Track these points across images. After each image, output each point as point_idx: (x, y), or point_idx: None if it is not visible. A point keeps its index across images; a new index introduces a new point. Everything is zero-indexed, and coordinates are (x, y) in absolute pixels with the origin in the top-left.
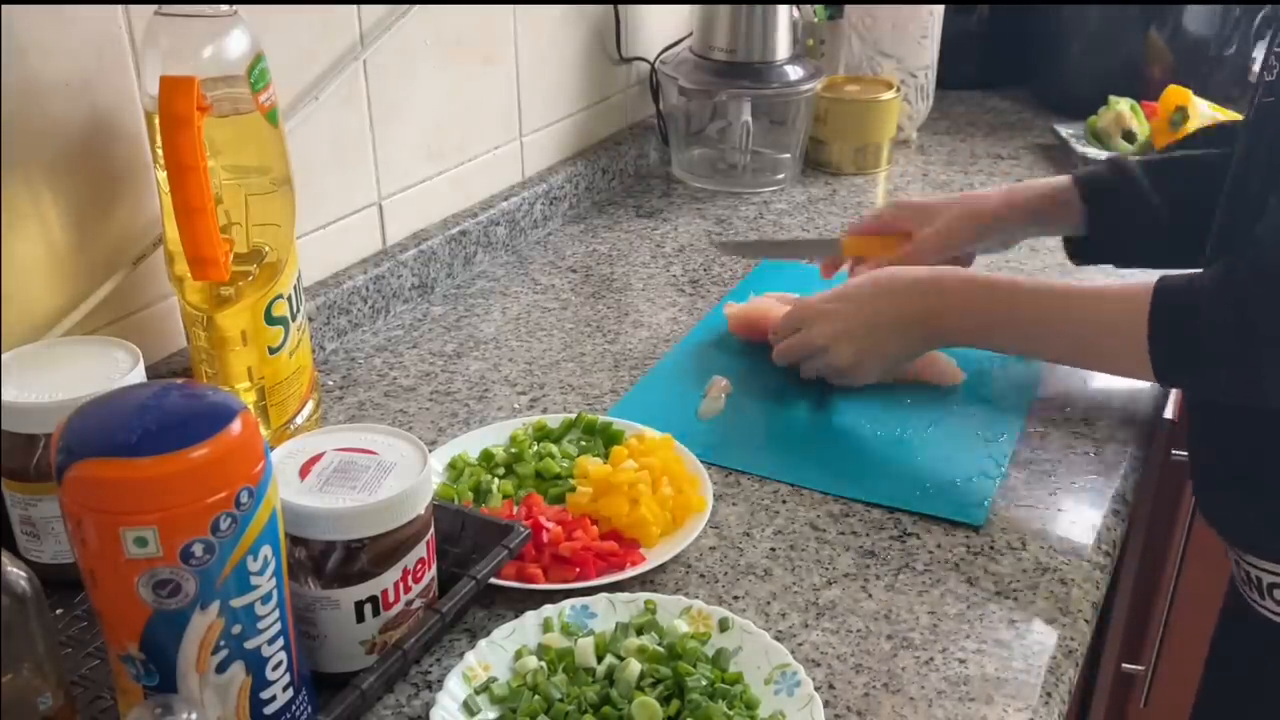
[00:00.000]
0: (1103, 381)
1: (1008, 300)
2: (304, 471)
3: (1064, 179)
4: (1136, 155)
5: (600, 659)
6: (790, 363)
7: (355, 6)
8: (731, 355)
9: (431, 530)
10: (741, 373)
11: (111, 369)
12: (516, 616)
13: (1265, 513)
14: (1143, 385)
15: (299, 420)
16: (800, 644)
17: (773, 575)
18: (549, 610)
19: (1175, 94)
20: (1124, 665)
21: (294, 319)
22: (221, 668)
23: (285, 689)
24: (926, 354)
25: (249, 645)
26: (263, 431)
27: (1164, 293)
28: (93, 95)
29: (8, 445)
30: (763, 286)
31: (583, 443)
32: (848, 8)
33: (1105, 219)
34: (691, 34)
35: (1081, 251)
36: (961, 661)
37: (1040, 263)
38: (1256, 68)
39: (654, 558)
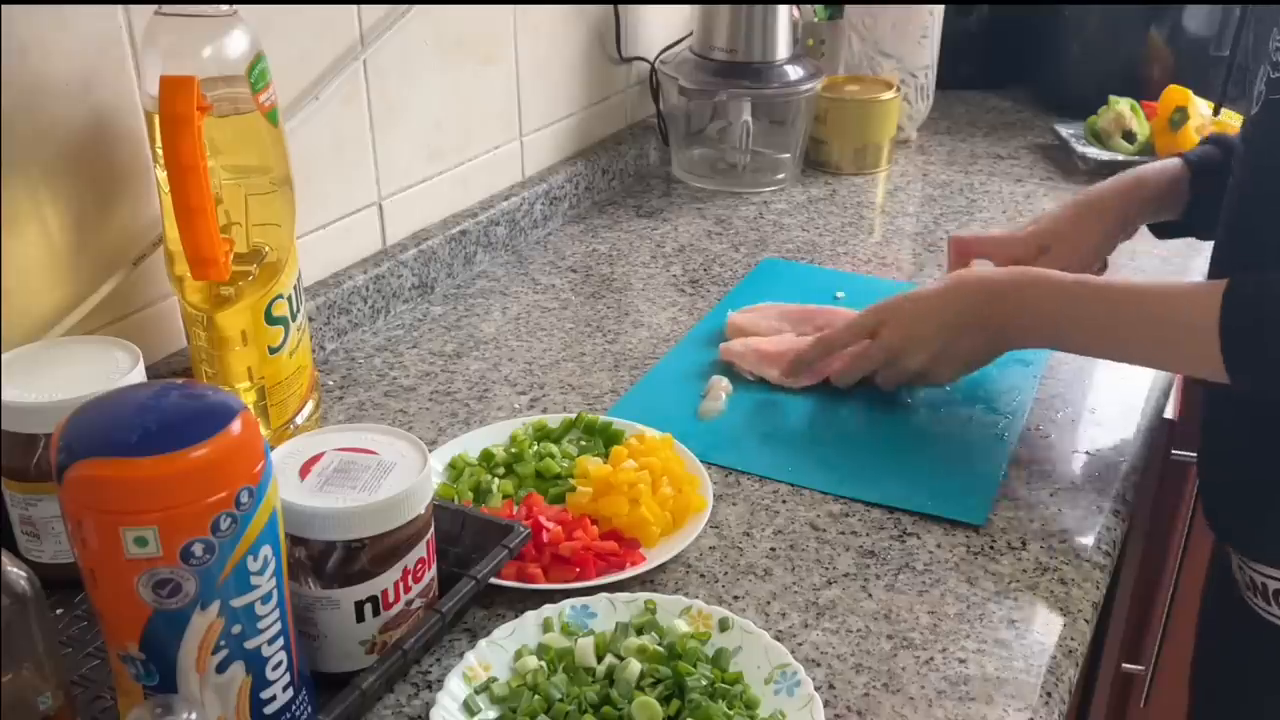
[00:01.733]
0: (1103, 381)
1: (1081, 299)
2: (304, 471)
3: (1176, 162)
4: (1137, 155)
5: (600, 659)
6: (857, 377)
7: (355, 6)
8: None
9: (431, 530)
10: (741, 374)
11: (111, 369)
12: (516, 616)
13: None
14: (1141, 385)
15: (299, 420)
16: (800, 644)
17: (773, 575)
18: (549, 610)
19: (1175, 94)
20: (1124, 665)
21: (294, 319)
22: (221, 667)
23: (285, 689)
24: None
25: (249, 645)
26: (263, 431)
27: (1238, 288)
28: (93, 95)
29: (8, 445)
30: (762, 284)
31: (583, 442)
32: (848, 7)
33: (1204, 197)
34: (691, 34)
35: (1168, 227)
36: (962, 661)
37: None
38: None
39: (654, 558)
